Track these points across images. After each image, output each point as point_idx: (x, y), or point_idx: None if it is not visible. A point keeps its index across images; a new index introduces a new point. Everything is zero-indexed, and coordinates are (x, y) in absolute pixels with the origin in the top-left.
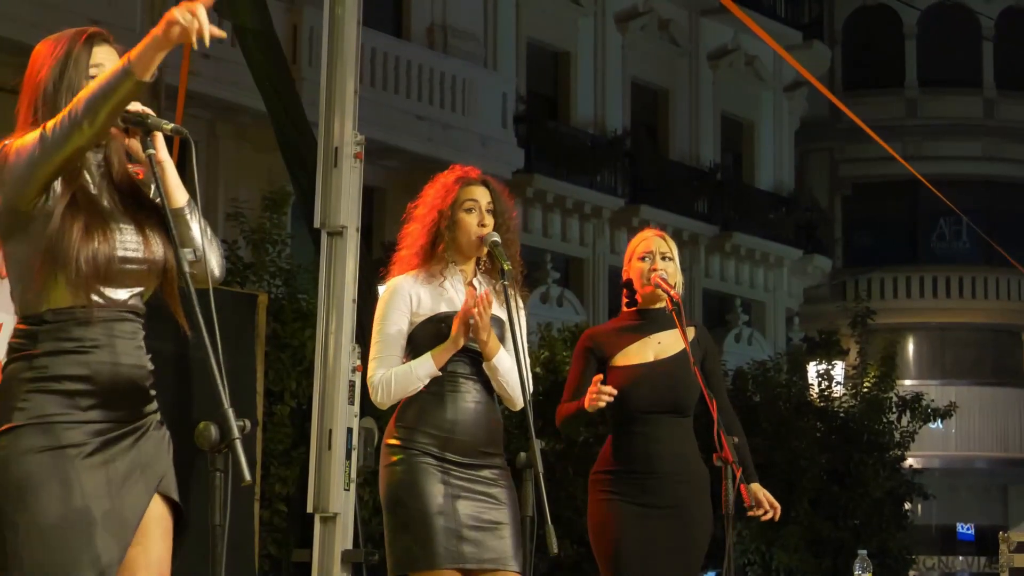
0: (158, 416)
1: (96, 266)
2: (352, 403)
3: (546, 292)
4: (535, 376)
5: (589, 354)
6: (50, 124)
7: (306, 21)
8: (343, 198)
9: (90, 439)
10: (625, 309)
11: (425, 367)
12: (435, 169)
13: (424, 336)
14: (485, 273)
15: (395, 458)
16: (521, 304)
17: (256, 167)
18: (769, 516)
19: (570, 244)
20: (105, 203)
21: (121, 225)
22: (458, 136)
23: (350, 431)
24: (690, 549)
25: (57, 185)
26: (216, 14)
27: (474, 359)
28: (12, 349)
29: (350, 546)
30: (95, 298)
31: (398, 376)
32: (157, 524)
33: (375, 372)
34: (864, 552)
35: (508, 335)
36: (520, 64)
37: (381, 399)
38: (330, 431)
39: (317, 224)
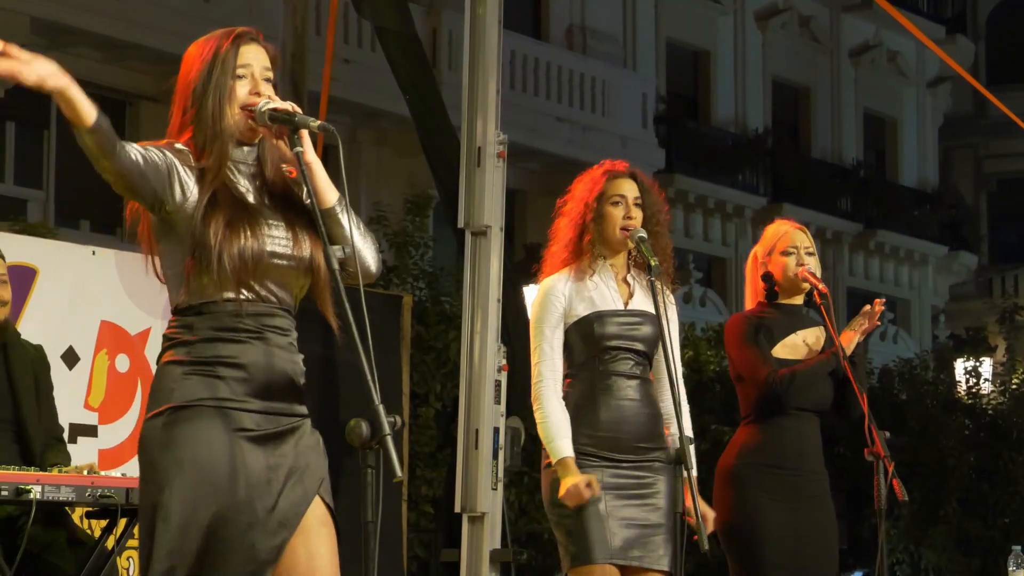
0: (309, 419)
1: (243, 261)
2: (498, 403)
3: (688, 292)
4: None
5: (758, 331)
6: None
7: (444, 24)
8: (487, 198)
9: (254, 426)
10: (763, 300)
11: (559, 449)
12: (576, 170)
13: (572, 339)
14: (636, 268)
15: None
16: (671, 299)
17: (396, 171)
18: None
19: (712, 244)
20: (253, 200)
21: (270, 222)
22: (598, 137)
23: (497, 431)
24: (833, 546)
25: (193, 186)
26: (358, 16)
27: (632, 355)
28: (167, 339)
29: (498, 546)
30: (245, 293)
31: (549, 422)
32: (323, 524)
33: (541, 379)
34: (1018, 548)
35: (659, 330)
36: (660, 64)
37: (535, 409)
38: (477, 431)
39: (461, 224)
